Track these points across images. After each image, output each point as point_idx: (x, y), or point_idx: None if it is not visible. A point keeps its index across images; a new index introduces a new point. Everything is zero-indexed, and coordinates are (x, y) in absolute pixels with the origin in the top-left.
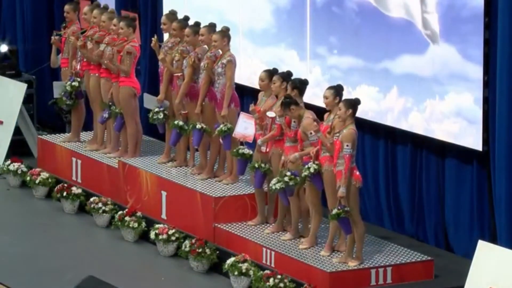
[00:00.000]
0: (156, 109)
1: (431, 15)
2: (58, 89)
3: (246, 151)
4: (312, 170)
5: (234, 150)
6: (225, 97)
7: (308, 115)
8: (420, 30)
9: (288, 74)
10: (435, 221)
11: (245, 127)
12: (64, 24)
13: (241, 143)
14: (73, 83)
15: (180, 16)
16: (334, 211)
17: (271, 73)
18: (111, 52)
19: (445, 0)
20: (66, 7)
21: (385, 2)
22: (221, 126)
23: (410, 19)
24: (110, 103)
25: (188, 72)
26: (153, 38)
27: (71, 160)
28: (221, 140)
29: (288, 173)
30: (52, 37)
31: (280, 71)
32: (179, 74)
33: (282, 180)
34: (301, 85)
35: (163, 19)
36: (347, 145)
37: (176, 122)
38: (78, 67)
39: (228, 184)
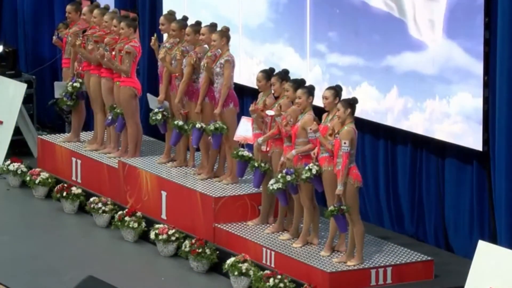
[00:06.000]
0: (155, 110)
1: (431, 15)
2: (59, 89)
3: (246, 153)
4: (314, 171)
5: (234, 152)
6: (221, 96)
7: (311, 112)
8: (420, 30)
9: (285, 72)
10: (435, 221)
11: (245, 129)
12: (61, 23)
13: (242, 145)
14: (75, 84)
15: (179, 16)
16: (330, 208)
17: (268, 73)
18: (113, 53)
19: (446, 0)
20: (68, 7)
21: (385, 2)
22: (211, 124)
23: (410, 19)
24: (115, 106)
25: (187, 71)
26: (152, 37)
27: (71, 160)
28: (210, 139)
29: (283, 171)
30: (54, 37)
31: (279, 70)
32: (177, 74)
33: (280, 180)
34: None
35: (161, 19)
36: (345, 143)
37: (176, 122)
38: (80, 67)
39: (228, 184)
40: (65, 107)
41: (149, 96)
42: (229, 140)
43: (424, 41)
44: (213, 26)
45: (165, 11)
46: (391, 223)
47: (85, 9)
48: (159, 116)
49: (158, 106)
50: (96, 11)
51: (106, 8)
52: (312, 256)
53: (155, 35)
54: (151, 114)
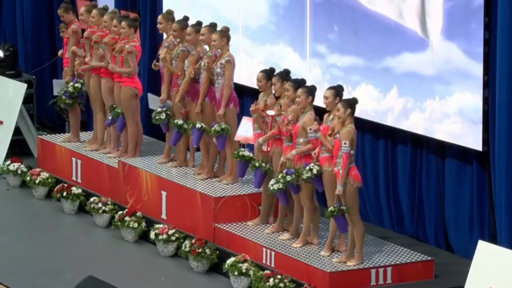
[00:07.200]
0: (159, 110)
1: (431, 15)
2: (57, 87)
3: (246, 153)
4: (315, 171)
5: (235, 152)
6: (223, 96)
7: (312, 112)
8: (420, 30)
9: (286, 72)
10: (435, 221)
11: (246, 129)
12: (62, 23)
13: (242, 145)
14: (76, 85)
15: (179, 16)
16: (330, 208)
17: (268, 73)
18: (113, 53)
19: (446, 0)
20: (59, 12)
21: (385, 2)
22: (216, 126)
23: (410, 19)
24: (115, 106)
25: (189, 71)
26: (153, 64)
27: (71, 160)
28: (214, 140)
29: (283, 172)
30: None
31: (279, 70)
32: (179, 73)
33: (280, 180)
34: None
35: (159, 18)
36: (345, 143)
37: (175, 121)
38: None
39: (228, 184)
40: (63, 105)
41: (150, 96)
42: (229, 140)
43: (424, 41)
44: (212, 26)
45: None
46: (391, 223)
47: (82, 9)
48: (163, 116)
49: (160, 106)
50: (94, 11)
51: (105, 8)
52: (312, 256)
53: (155, 62)
54: (154, 114)
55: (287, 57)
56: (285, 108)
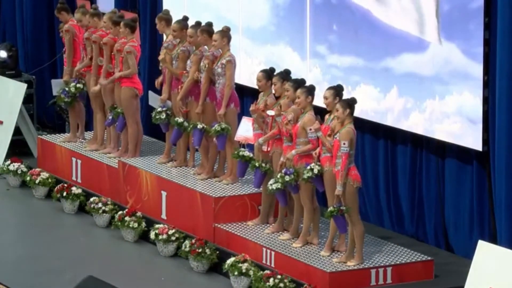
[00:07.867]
0: (159, 109)
1: (431, 15)
2: (56, 86)
3: (246, 153)
4: (315, 171)
5: (235, 152)
6: (224, 96)
7: (312, 112)
8: (419, 31)
9: (287, 72)
10: (435, 221)
11: (246, 129)
12: (62, 23)
13: (242, 146)
14: (78, 85)
15: (179, 16)
16: (329, 208)
17: (268, 73)
18: (112, 53)
19: (446, 1)
20: (56, 14)
21: (384, 3)
22: (216, 126)
23: (410, 19)
24: (115, 105)
25: (192, 71)
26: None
27: (71, 160)
28: (214, 140)
29: (282, 171)
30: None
31: (279, 70)
32: (183, 72)
33: (279, 180)
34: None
35: (156, 19)
36: (344, 143)
37: (175, 119)
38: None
39: (228, 184)
40: (62, 104)
41: (151, 94)
42: (229, 140)
43: (424, 41)
44: (210, 26)
45: None
46: (391, 223)
47: (76, 15)
48: (163, 116)
49: (161, 105)
50: (89, 15)
51: (95, 8)
52: (312, 256)
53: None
54: (154, 113)
55: (287, 57)
56: (285, 108)
